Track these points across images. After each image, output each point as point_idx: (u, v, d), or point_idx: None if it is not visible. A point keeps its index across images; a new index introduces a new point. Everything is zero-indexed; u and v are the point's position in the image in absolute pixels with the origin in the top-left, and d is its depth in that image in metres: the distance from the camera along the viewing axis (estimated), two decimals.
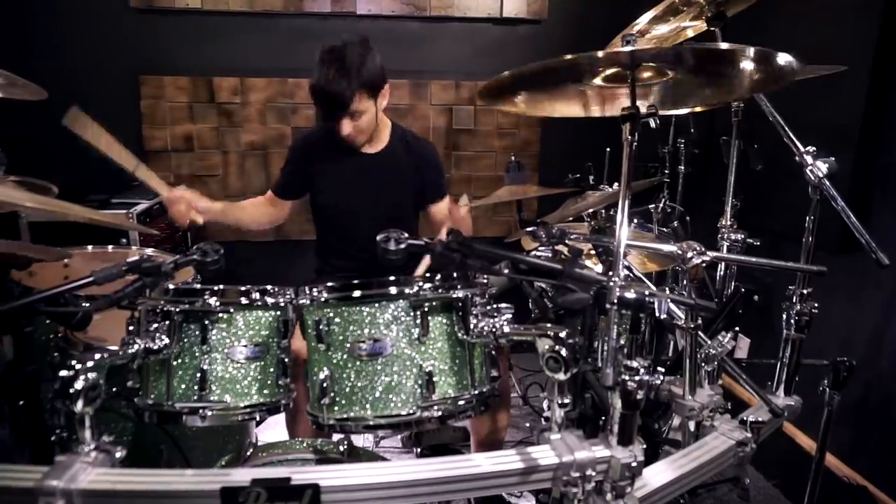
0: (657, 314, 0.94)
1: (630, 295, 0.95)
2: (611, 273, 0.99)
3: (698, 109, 2.12)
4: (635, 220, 2.23)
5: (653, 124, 1.14)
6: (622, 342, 1.00)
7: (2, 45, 2.89)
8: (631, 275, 1.44)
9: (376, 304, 1.11)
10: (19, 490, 0.88)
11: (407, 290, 1.11)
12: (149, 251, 2.07)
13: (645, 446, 1.03)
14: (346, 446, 1.36)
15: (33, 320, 1.47)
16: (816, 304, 1.36)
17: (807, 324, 1.36)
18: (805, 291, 1.35)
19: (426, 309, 1.11)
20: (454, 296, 1.12)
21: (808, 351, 1.42)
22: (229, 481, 0.91)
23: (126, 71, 3.09)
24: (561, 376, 1.02)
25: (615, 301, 0.95)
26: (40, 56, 3.00)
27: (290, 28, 3.15)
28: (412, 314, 1.11)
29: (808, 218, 1.33)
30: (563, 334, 1.02)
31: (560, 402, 1.03)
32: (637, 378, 0.97)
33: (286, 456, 1.35)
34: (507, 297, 1.32)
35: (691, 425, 1.26)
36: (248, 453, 1.37)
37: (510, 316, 1.13)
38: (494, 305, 1.15)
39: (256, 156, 3.32)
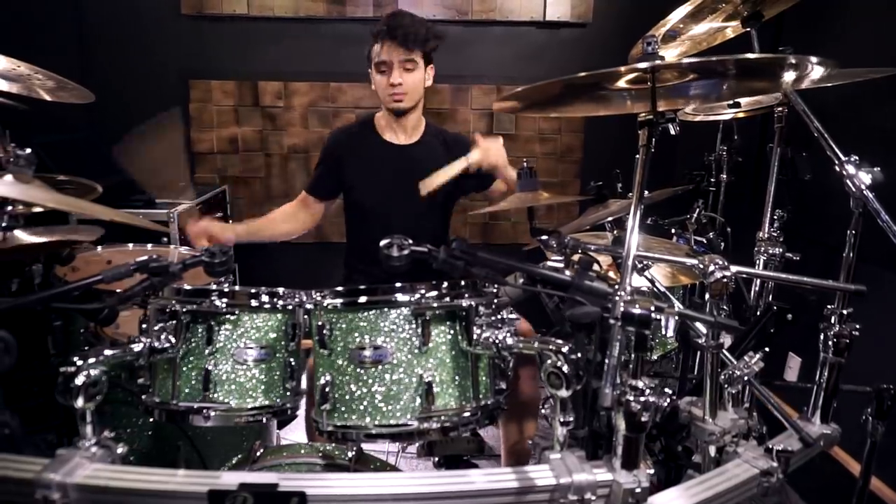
0: (664, 332, 0.88)
1: (635, 310, 0.90)
2: (617, 286, 0.94)
3: (741, 115, 2.03)
4: (674, 230, 2.14)
5: (672, 131, 1.08)
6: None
7: (60, 50, 3.05)
8: (655, 288, 1.37)
9: (377, 311, 1.09)
10: (19, 480, 0.91)
11: (409, 298, 1.08)
12: (183, 250, 2.13)
13: (651, 471, 0.97)
14: (354, 452, 1.35)
15: (63, 315, 1.53)
16: (858, 326, 1.25)
17: (847, 347, 1.26)
18: (845, 312, 1.25)
19: (428, 318, 1.08)
20: (457, 304, 1.09)
21: (861, 375, 1.31)
22: (218, 484, 0.91)
23: (176, 75, 3.21)
24: (563, 393, 0.97)
25: (619, 316, 0.90)
26: (96, 60, 3.14)
27: (332, 33, 3.20)
28: (413, 322, 1.08)
29: (849, 232, 1.23)
30: (565, 349, 0.98)
31: (562, 419, 0.99)
32: (642, 399, 0.92)
33: (294, 459, 1.34)
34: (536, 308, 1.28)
35: (711, 450, 1.19)
36: (259, 454, 1.37)
37: (514, 328, 1.09)
38: (500, 316, 1.12)
39: (298, 158, 3.38)
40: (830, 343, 1.27)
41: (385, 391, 1.08)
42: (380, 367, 1.09)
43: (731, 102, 1.99)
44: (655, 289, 1.35)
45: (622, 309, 0.90)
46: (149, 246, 2.24)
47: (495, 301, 1.15)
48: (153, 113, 3.25)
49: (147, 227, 1.41)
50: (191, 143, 3.29)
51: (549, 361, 0.97)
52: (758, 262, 1.57)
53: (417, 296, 1.08)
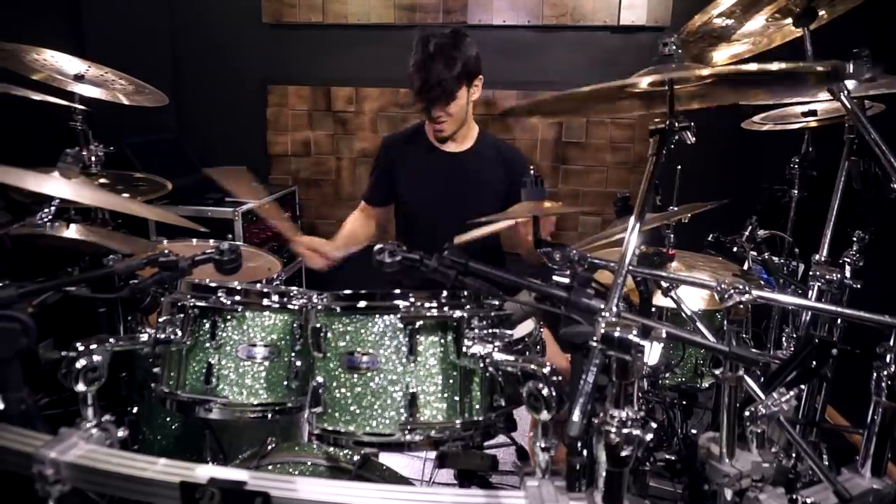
0: (645, 360, 0.81)
1: (616, 332, 0.82)
2: (603, 306, 0.87)
3: (813, 124, 1.84)
4: (735, 249, 1.97)
5: (688, 140, 0.99)
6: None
7: (155, 54, 3.30)
8: (682, 310, 1.26)
9: (368, 317, 1.08)
10: (20, 453, 0.98)
11: (399, 305, 1.06)
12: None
13: None
14: (359, 457, 1.35)
15: (108, 304, 1.64)
16: None
17: None
18: None
19: (417, 327, 1.05)
20: (448, 315, 1.06)
21: None
22: (191, 476, 0.93)
23: (256, 81, 3.38)
24: (543, 416, 0.92)
25: (598, 338, 0.83)
26: (186, 67, 3.38)
27: (402, 40, 3.21)
28: (402, 331, 1.06)
29: None
30: (546, 370, 0.92)
31: (542, 444, 0.93)
32: (624, 431, 0.84)
33: (299, 458, 1.35)
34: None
35: (727, 493, 1.07)
36: (269, 449, 1.40)
37: (502, 343, 1.04)
38: (492, 330, 1.07)
39: (367, 162, 3.43)
40: (884, 385, 1.12)
41: (372, 399, 1.07)
42: (369, 373, 1.08)
43: (805, 111, 1.80)
44: (682, 311, 1.24)
45: (603, 330, 0.83)
46: (211, 241, 2.37)
47: (493, 314, 1.10)
48: (234, 116, 3.46)
49: (183, 224, 1.48)
50: (267, 145, 3.46)
51: (530, 383, 0.92)
52: (812, 288, 1.40)
53: (407, 303, 1.06)
